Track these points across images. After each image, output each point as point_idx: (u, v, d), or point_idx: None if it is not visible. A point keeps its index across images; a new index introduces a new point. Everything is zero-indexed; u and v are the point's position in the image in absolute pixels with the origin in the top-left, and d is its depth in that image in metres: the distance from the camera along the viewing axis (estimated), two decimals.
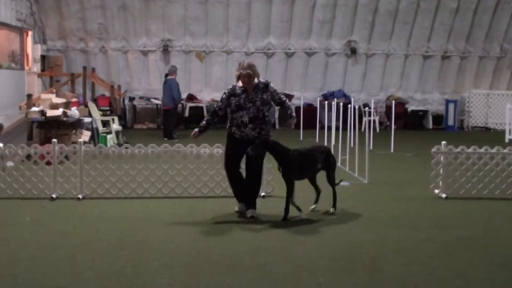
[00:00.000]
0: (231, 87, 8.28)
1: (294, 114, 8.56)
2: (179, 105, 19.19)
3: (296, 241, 7.07)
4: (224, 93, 8.28)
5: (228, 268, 5.98)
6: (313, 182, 8.53)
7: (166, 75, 18.76)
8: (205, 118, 8.45)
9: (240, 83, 8.16)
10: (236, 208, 8.36)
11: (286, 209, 7.97)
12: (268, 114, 8.25)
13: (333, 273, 5.90)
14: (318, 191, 8.53)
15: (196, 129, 8.34)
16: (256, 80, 8.16)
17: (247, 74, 8.03)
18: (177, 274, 5.81)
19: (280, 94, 8.43)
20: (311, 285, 5.60)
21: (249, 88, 8.12)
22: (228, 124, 8.28)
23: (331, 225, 7.74)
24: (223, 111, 8.30)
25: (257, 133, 8.07)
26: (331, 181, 8.51)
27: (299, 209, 8.09)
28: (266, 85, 8.22)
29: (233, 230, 7.55)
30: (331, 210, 8.40)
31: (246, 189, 8.29)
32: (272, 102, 8.30)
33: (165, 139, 17.02)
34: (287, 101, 8.58)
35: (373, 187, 10.59)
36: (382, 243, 7.00)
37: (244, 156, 8.15)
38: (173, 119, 18.36)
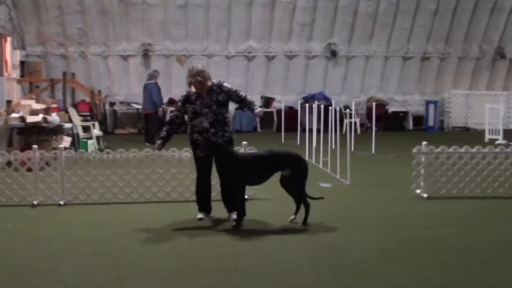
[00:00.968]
0: (185, 93, 8.12)
1: (257, 106, 8.15)
2: (160, 109, 19.13)
3: (280, 243, 7.07)
4: (179, 100, 8.18)
5: (212, 272, 5.97)
6: (295, 192, 7.91)
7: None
8: (164, 128, 8.27)
9: (193, 89, 8.05)
10: (199, 216, 8.20)
11: (239, 216, 7.77)
12: (227, 115, 8.12)
13: (317, 274, 5.91)
14: (305, 203, 7.87)
15: (158, 142, 8.25)
16: (209, 83, 8.00)
17: (197, 81, 7.88)
18: (161, 279, 5.80)
19: (238, 91, 8.10)
20: (295, 286, 5.61)
21: (203, 93, 7.98)
22: (189, 131, 8.11)
23: (314, 226, 7.75)
24: (180, 118, 8.19)
25: (220, 136, 7.94)
26: (296, 193, 7.86)
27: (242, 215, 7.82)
28: (220, 86, 8.03)
29: (216, 233, 7.54)
30: (299, 223, 7.82)
31: (225, 192, 8.19)
32: (230, 102, 8.11)
33: (147, 143, 16.98)
34: (248, 96, 8.16)
35: (355, 188, 10.63)
36: (366, 243, 7.03)
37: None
38: (155, 123, 18.32)
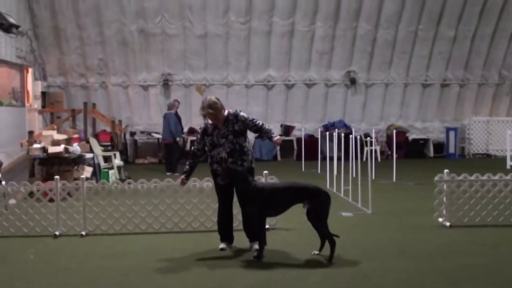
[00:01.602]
0: (203, 126, 8.17)
1: (275, 134, 8.11)
2: (179, 139, 19.16)
3: (301, 274, 7.02)
4: (198, 133, 8.20)
5: None
6: (319, 227, 7.64)
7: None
8: (188, 162, 8.29)
9: (209, 120, 8.07)
10: (221, 246, 8.17)
11: (260, 246, 7.72)
12: (245, 144, 8.08)
13: None
14: (329, 239, 7.59)
15: (182, 176, 8.28)
16: (225, 113, 8.03)
17: (209, 113, 7.92)
18: None
19: (254, 120, 8.06)
20: None
21: (218, 123, 8.00)
22: (209, 161, 8.13)
23: (336, 256, 7.69)
24: (201, 151, 8.17)
25: (239, 166, 7.92)
26: (318, 227, 7.60)
27: (263, 245, 7.74)
28: (236, 116, 8.03)
29: (238, 264, 7.50)
30: (324, 259, 7.56)
31: (246, 222, 8.17)
32: (248, 131, 8.10)
33: (168, 173, 17.01)
34: (265, 125, 8.10)
35: (376, 217, 10.56)
36: (387, 273, 6.95)
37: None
38: (175, 153, 18.36)
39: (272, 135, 8.05)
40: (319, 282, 6.64)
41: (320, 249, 7.71)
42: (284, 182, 8.15)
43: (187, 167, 8.26)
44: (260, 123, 8.12)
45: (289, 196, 7.75)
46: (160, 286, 6.54)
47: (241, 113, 8.10)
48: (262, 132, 8.09)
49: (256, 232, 7.94)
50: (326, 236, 7.60)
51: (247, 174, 7.84)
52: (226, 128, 7.99)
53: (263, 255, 7.68)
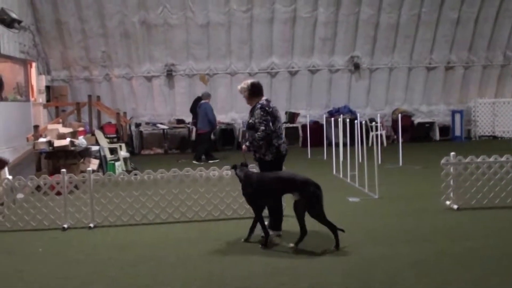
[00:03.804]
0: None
1: (249, 144, 8.09)
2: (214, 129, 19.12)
3: (310, 259, 7.04)
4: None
5: None
6: (298, 217, 7.60)
7: (198, 100, 19.11)
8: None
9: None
10: (271, 233, 8.07)
11: (264, 233, 7.80)
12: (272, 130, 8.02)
13: None
14: (302, 229, 7.57)
15: (246, 143, 8.26)
16: (259, 101, 8.14)
17: (241, 92, 8.28)
18: None
19: (259, 121, 7.95)
20: None
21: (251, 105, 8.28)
22: None
23: (343, 242, 7.69)
24: None
25: (262, 154, 8.07)
26: (316, 217, 7.55)
27: (265, 233, 7.79)
28: (255, 107, 8.10)
29: (247, 251, 7.51)
30: (332, 248, 7.47)
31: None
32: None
33: (194, 162, 17.04)
34: (259, 132, 7.91)
35: (384, 201, 10.55)
36: (396, 257, 6.96)
37: None
38: (206, 142, 18.34)
39: (245, 143, 8.20)
40: (327, 267, 6.64)
41: (297, 243, 7.56)
42: (274, 172, 8.00)
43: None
44: (260, 127, 7.93)
45: (278, 186, 7.73)
46: (169, 276, 6.55)
47: (261, 107, 8.02)
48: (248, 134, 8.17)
49: (275, 220, 8.09)
50: (326, 225, 7.56)
51: (243, 167, 8.07)
52: (250, 117, 8.16)
53: (269, 242, 7.69)
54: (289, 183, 7.64)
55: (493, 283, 5.93)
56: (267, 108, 8.02)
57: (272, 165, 8.06)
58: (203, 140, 18.29)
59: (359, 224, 8.72)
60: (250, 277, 6.39)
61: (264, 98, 8.20)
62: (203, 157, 17.97)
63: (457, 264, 6.60)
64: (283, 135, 8.31)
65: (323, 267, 6.68)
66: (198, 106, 18.42)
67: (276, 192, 7.87)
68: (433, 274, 6.25)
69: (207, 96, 18.41)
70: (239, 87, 8.34)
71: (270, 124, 7.99)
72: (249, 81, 8.35)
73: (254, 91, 8.21)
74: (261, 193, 7.81)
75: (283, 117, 21.61)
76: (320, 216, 7.54)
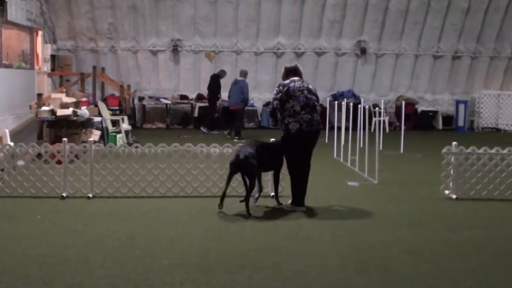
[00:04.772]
0: None
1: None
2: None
3: (307, 240, 7.06)
4: None
5: (239, 267, 5.97)
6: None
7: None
8: None
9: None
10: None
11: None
12: (291, 108, 8.53)
13: (344, 273, 5.88)
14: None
15: None
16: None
17: None
18: (187, 272, 5.81)
19: (273, 99, 8.81)
20: (321, 284, 5.58)
21: None
22: None
23: (342, 225, 7.72)
24: None
25: (281, 129, 8.73)
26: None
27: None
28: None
29: (244, 229, 7.54)
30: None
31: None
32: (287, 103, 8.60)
33: (236, 139, 17.09)
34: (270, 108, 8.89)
35: (383, 187, 10.56)
36: (393, 243, 6.97)
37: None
38: (242, 119, 18.44)
39: None
40: (324, 250, 6.66)
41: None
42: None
43: None
44: (269, 106, 8.96)
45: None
46: (165, 250, 6.57)
47: (276, 87, 8.78)
48: None
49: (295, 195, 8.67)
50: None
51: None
52: None
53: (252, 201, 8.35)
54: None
55: (489, 273, 5.94)
56: (280, 87, 8.61)
57: (289, 141, 8.55)
58: (238, 116, 18.29)
59: (358, 209, 8.73)
60: (247, 254, 6.41)
61: (293, 78, 8.79)
62: (227, 132, 18.16)
63: (454, 253, 6.61)
64: (303, 116, 8.51)
65: (319, 249, 6.70)
66: (234, 82, 18.35)
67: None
68: (429, 262, 6.26)
69: (244, 74, 18.37)
70: None
71: (276, 102, 8.59)
72: (288, 64, 9.21)
73: (285, 74, 8.96)
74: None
75: None
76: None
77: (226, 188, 8.42)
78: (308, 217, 8.05)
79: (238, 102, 18.10)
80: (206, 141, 9.45)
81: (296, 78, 8.75)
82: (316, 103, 8.68)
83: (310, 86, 8.70)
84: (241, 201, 8.42)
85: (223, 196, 8.38)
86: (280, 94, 8.52)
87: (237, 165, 8.31)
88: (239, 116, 18.38)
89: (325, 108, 19.07)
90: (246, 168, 8.30)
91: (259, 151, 8.41)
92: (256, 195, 8.61)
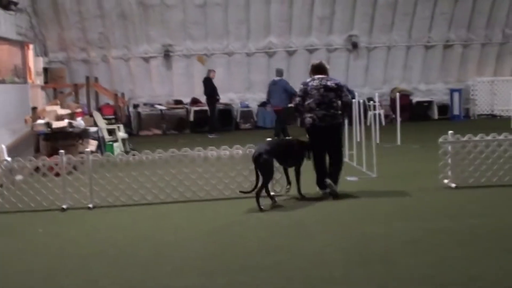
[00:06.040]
0: None
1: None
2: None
3: (308, 237, 7.08)
4: None
5: (242, 268, 5.99)
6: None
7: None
8: None
9: None
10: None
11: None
12: (304, 103, 9.56)
13: (347, 267, 5.90)
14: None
15: None
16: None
17: None
18: (190, 277, 5.83)
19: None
20: (326, 280, 5.60)
21: None
22: None
23: (342, 219, 7.74)
24: None
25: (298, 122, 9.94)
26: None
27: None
28: None
29: (245, 230, 7.55)
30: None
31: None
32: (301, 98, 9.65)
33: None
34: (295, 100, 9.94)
35: (382, 180, 10.58)
36: (394, 235, 6.99)
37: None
38: (285, 119, 18.02)
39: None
40: (325, 245, 6.68)
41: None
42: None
43: None
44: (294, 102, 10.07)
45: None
46: (167, 255, 6.59)
47: (301, 84, 9.78)
48: None
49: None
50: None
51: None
52: None
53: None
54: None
55: (489, 260, 5.96)
56: (302, 86, 9.66)
57: (308, 134, 9.48)
58: (282, 116, 17.84)
59: (358, 203, 8.75)
60: (249, 255, 6.43)
61: (314, 76, 9.68)
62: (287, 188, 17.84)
63: (455, 242, 6.63)
64: (317, 112, 9.33)
65: (321, 244, 6.72)
66: (272, 83, 17.83)
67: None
68: (430, 252, 6.28)
69: (281, 72, 18.07)
70: None
71: (298, 98, 9.67)
72: (314, 61, 10.21)
73: (311, 70, 9.97)
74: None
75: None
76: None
77: (257, 183, 8.67)
78: (308, 213, 8.06)
79: (281, 103, 17.83)
80: (203, 145, 9.45)
81: (317, 76, 9.62)
82: (334, 99, 9.44)
83: (330, 83, 9.53)
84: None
85: (266, 191, 8.82)
86: (300, 92, 9.60)
87: (254, 161, 8.75)
88: (283, 115, 18.02)
89: None
90: (259, 164, 8.67)
91: (277, 148, 9.02)
92: (287, 187, 9.28)
